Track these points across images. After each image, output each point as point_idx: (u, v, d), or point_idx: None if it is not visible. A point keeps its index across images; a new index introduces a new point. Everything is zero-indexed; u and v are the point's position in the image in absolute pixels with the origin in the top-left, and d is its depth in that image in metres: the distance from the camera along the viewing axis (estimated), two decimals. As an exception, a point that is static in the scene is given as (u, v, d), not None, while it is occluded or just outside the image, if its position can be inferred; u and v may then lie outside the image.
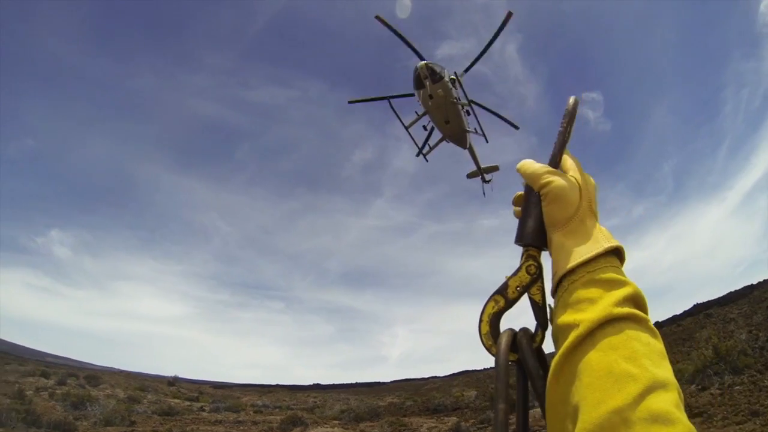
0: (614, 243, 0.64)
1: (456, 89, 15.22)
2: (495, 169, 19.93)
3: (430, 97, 14.63)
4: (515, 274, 0.70)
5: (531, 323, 0.68)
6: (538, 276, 0.69)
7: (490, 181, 20.25)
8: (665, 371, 0.51)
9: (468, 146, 17.88)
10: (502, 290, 0.69)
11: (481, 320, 0.68)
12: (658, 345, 0.54)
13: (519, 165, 0.76)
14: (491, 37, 14.97)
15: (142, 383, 25.87)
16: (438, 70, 14.55)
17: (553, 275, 0.67)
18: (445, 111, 15.33)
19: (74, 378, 22.77)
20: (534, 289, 0.69)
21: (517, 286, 0.69)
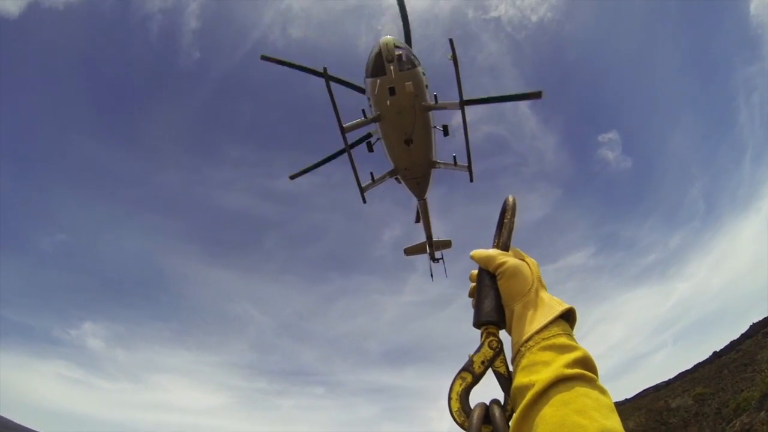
0: (565, 306, 0.75)
1: (428, 92, 9.61)
2: (447, 245, 14.52)
3: (391, 92, 8.80)
4: (478, 350, 0.77)
5: (493, 394, 0.73)
6: (500, 350, 0.77)
7: (439, 260, 14.65)
8: (614, 422, 0.57)
9: (424, 197, 12.05)
10: (467, 367, 0.75)
11: (450, 398, 0.72)
12: (606, 400, 0.61)
13: (472, 253, 0.89)
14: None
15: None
16: (411, 54, 9.14)
17: (513, 345, 0.75)
18: (410, 122, 9.38)
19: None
20: (498, 362, 0.76)
21: (482, 362, 0.75)
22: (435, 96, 9.68)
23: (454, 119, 10.31)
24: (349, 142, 9.71)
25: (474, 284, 0.90)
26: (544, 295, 0.78)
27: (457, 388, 0.73)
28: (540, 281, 0.82)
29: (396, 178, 11.30)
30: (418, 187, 11.51)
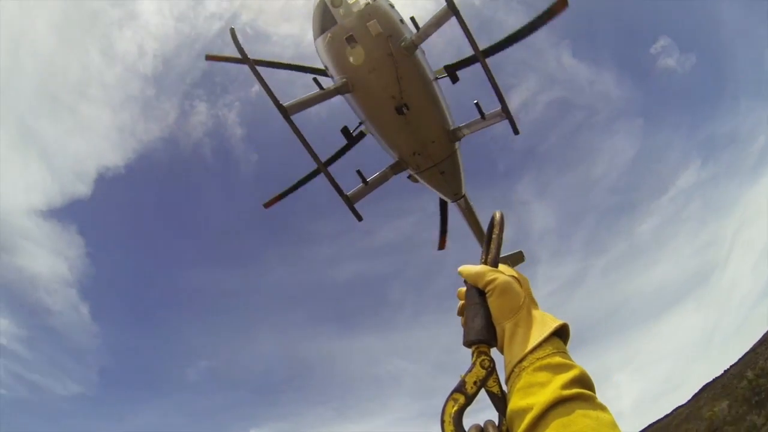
0: (558, 322, 0.74)
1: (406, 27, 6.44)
2: (518, 259, 9.58)
3: (350, 42, 6.03)
4: (470, 370, 0.74)
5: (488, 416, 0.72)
6: (492, 369, 0.75)
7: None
8: None
9: (461, 191, 7.76)
10: (459, 388, 0.72)
11: (443, 421, 0.69)
12: (607, 417, 0.60)
13: (460, 269, 0.88)
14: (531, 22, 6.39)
15: None
16: None
17: (506, 364, 0.74)
18: (392, 78, 6.26)
19: None
20: (490, 382, 0.74)
21: (474, 382, 0.73)
22: (414, 21, 6.44)
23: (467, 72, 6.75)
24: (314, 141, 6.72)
25: (462, 302, 0.88)
26: (536, 312, 0.77)
27: (450, 410, 0.70)
28: (531, 297, 0.81)
29: (408, 176, 7.49)
30: (444, 178, 7.22)
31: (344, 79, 6.50)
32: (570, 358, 0.69)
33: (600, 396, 0.64)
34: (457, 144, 7.26)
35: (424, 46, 6.53)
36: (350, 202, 7.12)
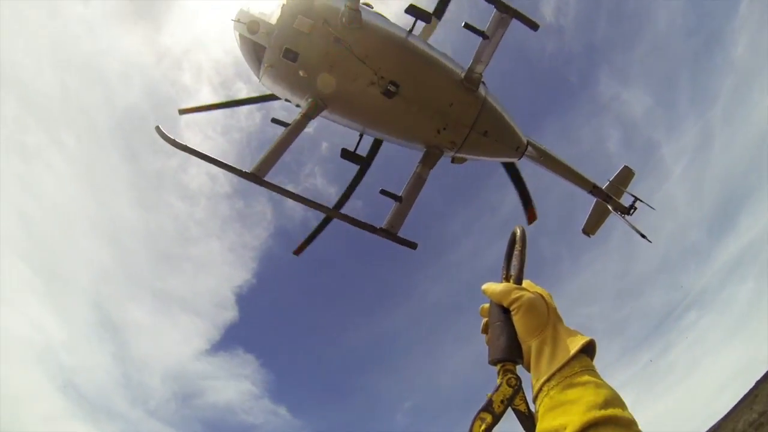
0: (585, 339, 0.73)
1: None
2: (629, 175, 7.54)
3: (289, 55, 5.24)
4: (497, 389, 0.74)
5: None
6: (519, 387, 0.74)
7: (631, 209, 7.19)
8: None
9: (525, 141, 5.90)
10: (486, 407, 0.72)
11: None
12: None
13: (484, 287, 0.88)
14: None
15: None
16: None
17: (534, 383, 0.73)
18: (356, 60, 5.13)
19: None
20: (517, 400, 0.73)
21: (501, 401, 0.73)
22: None
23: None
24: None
25: (486, 319, 0.88)
26: (562, 328, 0.77)
27: (478, 430, 0.70)
28: (556, 314, 0.80)
29: (452, 160, 6.01)
30: (492, 138, 5.61)
31: (310, 100, 5.39)
32: (598, 376, 0.69)
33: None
34: (481, 89, 5.50)
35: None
36: (391, 233, 5.37)
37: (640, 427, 0.61)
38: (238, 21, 5.51)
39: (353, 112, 5.72)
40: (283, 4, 5.24)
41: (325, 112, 5.60)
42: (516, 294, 0.81)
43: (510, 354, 0.78)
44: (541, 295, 0.82)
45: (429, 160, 5.80)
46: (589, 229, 8.00)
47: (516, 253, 0.90)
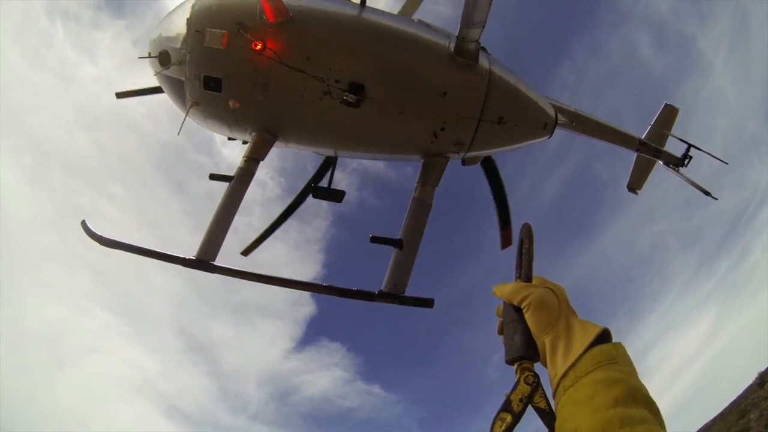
0: (599, 329, 0.72)
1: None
2: (672, 114, 6.74)
3: (211, 84, 4.05)
4: (515, 388, 0.74)
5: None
6: (537, 384, 0.74)
7: (686, 159, 6.14)
8: None
9: (553, 114, 4.53)
10: (506, 407, 0.71)
11: None
12: None
13: (494, 289, 0.90)
14: None
15: None
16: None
17: (551, 378, 0.73)
18: (293, 67, 3.79)
19: None
20: (537, 398, 0.73)
21: (520, 399, 0.72)
22: None
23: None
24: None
25: (501, 320, 0.89)
26: (575, 321, 0.77)
27: (498, 430, 0.69)
28: (569, 307, 0.80)
29: (462, 161, 4.76)
30: (510, 123, 4.32)
31: (253, 133, 4.29)
32: (614, 368, 0.66)
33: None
34: (483, 60, 4.09)
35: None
36: (395, 296, 4.04)
37: (661, 417, 0.61)
38: (148, 56, 4.42)
39: (312, 135, 4.57)
40: (188, 18, 4.01)
41: (279, 142, 4.45)
42: (525, 292, 0.82)
43: (525, 352, 0.78)
44: (552, 290, 0.82)
45: (430, 175, 4.39)
46: (635, 184, 7.10)
47: (524, 251, 0.92)
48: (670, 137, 6.55)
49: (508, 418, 0.70)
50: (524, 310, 0.81)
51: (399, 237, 4.14)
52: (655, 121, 6.66)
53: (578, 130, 5.20)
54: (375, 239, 4.14)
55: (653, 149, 6.07)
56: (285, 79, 3.91)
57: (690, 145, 6.29)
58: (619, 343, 0.72)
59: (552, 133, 4.64)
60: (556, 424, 0.67)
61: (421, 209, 4.31)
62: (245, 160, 4.21)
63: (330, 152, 5.02)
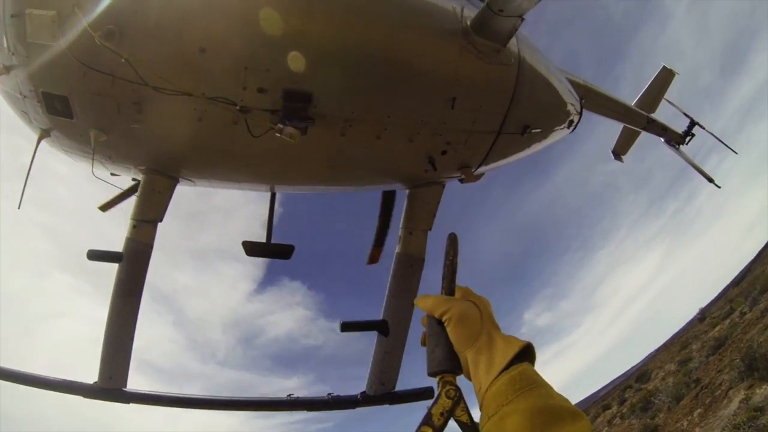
0: (522, 343, 0.73)
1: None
2: (668, 77, 6.51)
3: (57, 108, 2.59)
4: (436, 401, 0.73)
5: None
6: (459, 398, 0.73)
7: (687, 137, 6.32)
8: None
9: (578, 109, 3.63)
10: (426, 421, 0.70)
11: None
12: None
13: (416, 301, 0.90)
14: None
15: None
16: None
17: (477, 392, 0.72)
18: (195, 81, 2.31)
19: None
20: (458, 411, 0.72)
21: (441, 413, 0.71)
22: None
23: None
24: None
25: (425, 330, 0.89)
26: (497, 336, 0.76)
27: None
28: (492, 321, 0.81)
29: (460, 179, 3.40)
30: (539, 138, 3.35)
31: (141, 175, 3.03)
32: (535, 393, 0.65)
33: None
34: (513, 45, 2.77)
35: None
36: (385, 397, 3.37)
37: (587, 420, 0.62)
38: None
39: (230, 173, 3.21)
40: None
41: (185, 182, 3.12)
42: (446, 306, 0.81)
43: (447, 366, 0.78)
44: (475, 304, 0.82)
45: (420, 215, 3.15)
46: (620, 150, 6.95)
47: (448, 262, 0.89)
48: (663, 101, 6.31)
49: (429, 431, 0.70)
50: (445, 324, 0.81)
51: (381, 318, 2.99)
52: (651, 83, 6.20)
53: (586, 108, 3.99)
54: (347, 326, 3.01)
55: (660, 127, 5.68)
56: (167, 96, 2.29)
57: (694, 123, 5.92)
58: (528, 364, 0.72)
59: (576, 127, 3.63)
60: None
61: (408, 270, 2.97)
62: (133, 226, 2.81)
63: (263, 189, 3.63)
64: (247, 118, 2.34)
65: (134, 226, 2.84)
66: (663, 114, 6.34)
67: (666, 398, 16.86)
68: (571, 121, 3.52)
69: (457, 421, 0.72)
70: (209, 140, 2.67)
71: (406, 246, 3.05)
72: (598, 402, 27.40)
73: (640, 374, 25.45)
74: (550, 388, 0.68)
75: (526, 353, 0.73)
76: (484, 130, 2.75)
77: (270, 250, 3.54)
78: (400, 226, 3.18)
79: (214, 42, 2.22)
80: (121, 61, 2.20)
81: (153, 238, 2.85)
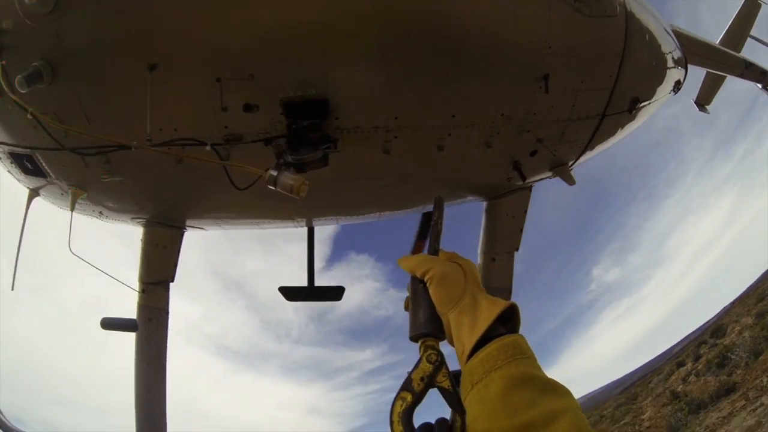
0: (505, 304, 0.70)
1: None
2: (754, 8, 6.01)
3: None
4: (416, 366, 0.70)
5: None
6: (440, 363, 0.70)
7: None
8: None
9: (685, 67, 3.06)
10: (406, 386, 0.68)
11: (392, 422, 0.65)
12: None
13: (398, 261, 0.86)
14: None
15: None
16: None
17: (458, 357, 0.70)
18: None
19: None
20: (440, 377, 0.69)
21: (422, 378, 0.68)
22: None
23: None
24: None
25: (408, 295, 0.85)
26: (482, 297, 0.73)
27: (398, 410, 0.66)
28: (476, 283, 0.77)
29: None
30: (640, 114, 2.69)
31: (141, 227, 2.73)
32: (527, 363, 0.63)
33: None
34: None
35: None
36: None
37: (575, 399, 0.59)
38: None
39: (244, 218, 2.81)
40: None
41: (193, 228, 2.80)
42: (428, 265, 0.78)
43: (429, 328, 0.75)
44: (460, 265, 0.79)
45: (502, 236, 2.55)
46: (704, 99, 6.19)
47: (433, 223, 0.88)
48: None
49: (409, 397, 0.67)
50: (427, 284, 0.78)
51: None
52: (735, 18, 5.45)
53: None
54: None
55: (758, 72, 4.69)
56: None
57: None
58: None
59: (680, 88, 2.89)
60: (467, 419, 0.63)
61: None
62: (142, 290, 2.38)
63: (294, 226, 3.01)
64: (227, 162, 1.60)
65: (143, 291, 2.45)
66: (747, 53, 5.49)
67: (743, 353, 15.98)
68: (678, 83, 2.82)
69: (438, 387, 0.69)
70: (200, 183, 2.18)
71: (487, 278, 2.36)
72: (672, 359, 26.28)
73: (715, 329, 24.07)
74: (539, 364, 0.67)
75: (512, 315, 0.72)
76: (586, 114, 2.11)
77: (315, 294, 3.05)
78: (479, 251, 2.54)
79: (166, 49, 1.54)
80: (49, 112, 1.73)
81: (167, 302, 2.49)
